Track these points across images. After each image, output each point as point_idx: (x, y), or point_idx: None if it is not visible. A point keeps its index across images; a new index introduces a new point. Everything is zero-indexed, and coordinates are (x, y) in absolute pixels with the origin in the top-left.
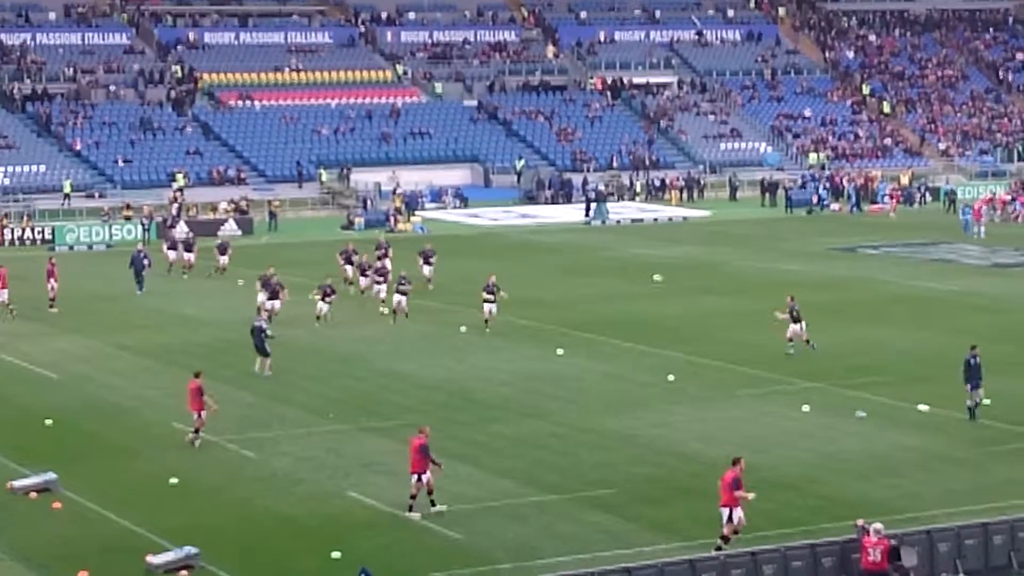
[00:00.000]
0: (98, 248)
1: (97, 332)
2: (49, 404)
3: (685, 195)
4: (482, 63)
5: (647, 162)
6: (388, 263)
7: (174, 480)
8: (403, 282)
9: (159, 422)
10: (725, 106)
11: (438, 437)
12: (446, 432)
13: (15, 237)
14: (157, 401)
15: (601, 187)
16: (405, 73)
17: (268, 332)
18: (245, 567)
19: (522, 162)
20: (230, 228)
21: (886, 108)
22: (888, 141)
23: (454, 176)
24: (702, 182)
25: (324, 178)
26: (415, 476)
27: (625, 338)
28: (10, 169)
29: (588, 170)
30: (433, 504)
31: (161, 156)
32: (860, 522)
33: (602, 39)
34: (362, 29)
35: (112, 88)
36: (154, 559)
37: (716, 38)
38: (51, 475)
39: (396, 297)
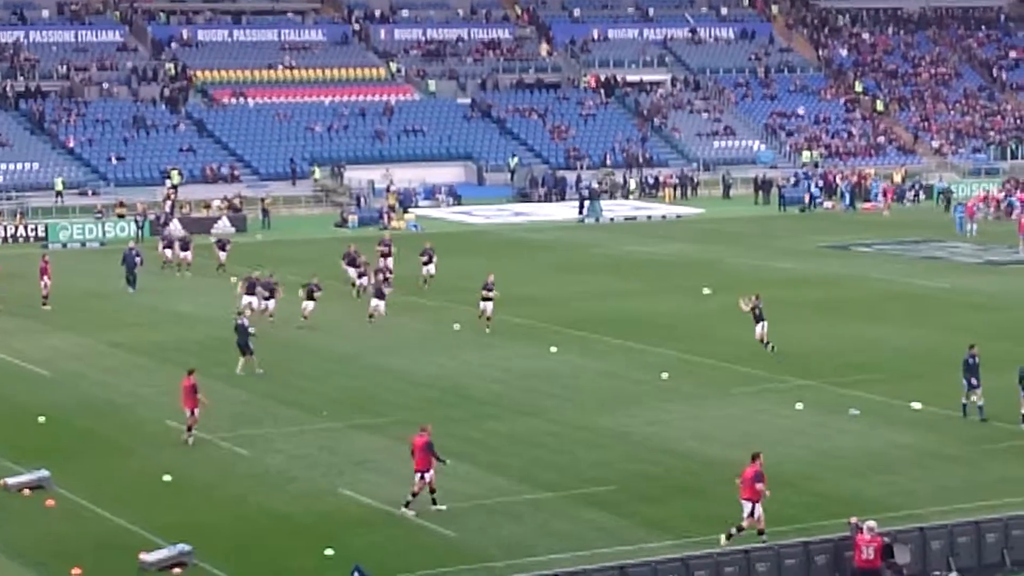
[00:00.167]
0: (91, 246)
1: (90, 329)
2: (42, 402)
3: (678, 193)
4: (476, 61)
5: (640, 160)
6: (390, 262)
7: (167, 477)
8: (383, 285)
9: (152, 420)
10: (719, 104)
11: (432, 435)
12: (440, 429)
13: (8, 235)
14: (150, 399)
15: (594, 185)
16: (399, 71)
17: (252, 330)
18: (238, 565)
19: (515, 160)
20: (223, 225)
21: (879, 106)
22: (881, 139)
23: (447, 174)
24: (695, 180)
25: (317, 175)
26: (419, 474)
27: (618, 336)
28: (3, 167)
29: (581, 168)
30: (435, 503)
31: (154, 154)
32: (853, 520)
33: (596, 37)
34: (356, 27)
35: (105, 85)
36: (147, 556)
37: (710, 36)
38: (44, 472)
39: (374, 302)
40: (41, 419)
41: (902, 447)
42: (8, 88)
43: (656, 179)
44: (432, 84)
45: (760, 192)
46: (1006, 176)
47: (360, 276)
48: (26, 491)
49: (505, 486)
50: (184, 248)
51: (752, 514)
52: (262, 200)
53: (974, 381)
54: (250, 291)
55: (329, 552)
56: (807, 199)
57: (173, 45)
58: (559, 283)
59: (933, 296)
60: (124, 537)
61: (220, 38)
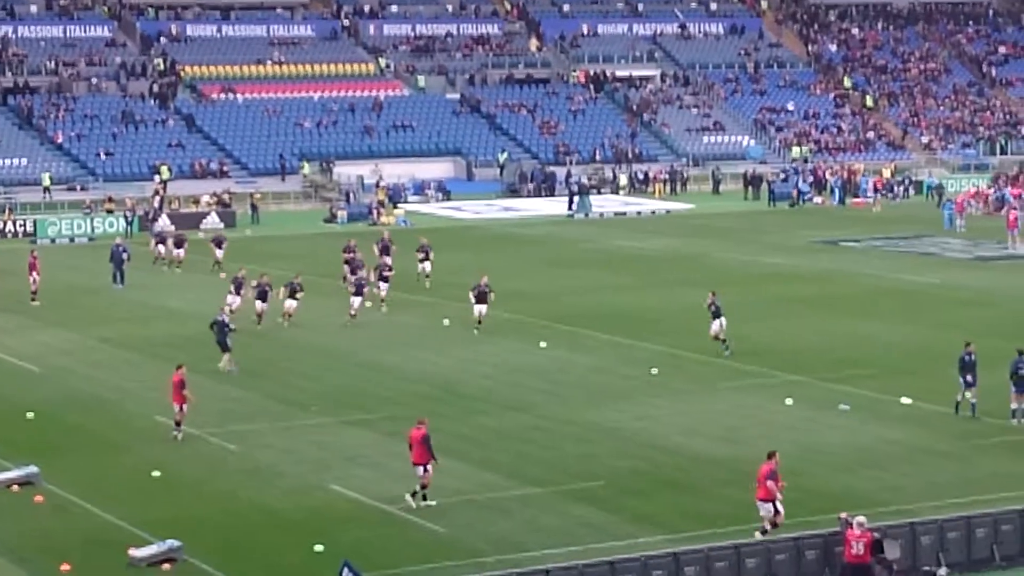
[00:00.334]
0: (80, 241)
1: (79, 325)
2: (31, 397)
3: (668, 188)
4: (465, 56)
5: (630, 155)
6: (388, 259)
7: (156, 473)
8: (362, 282)
9: (141, 415)
10: (708, 99)
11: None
12: (430, 425)
13: None
14: (139, 394)
15: (584, 180)
16: (388, 66)
17: (231, 327)
18: (228, 560)
19: (505, 155)
20: (212, 221)
21: (869, 102)
22: (871, 134)
23: (437, 169)
24: (685, 175)
25: (307, 171)
26: (420, 468)
27: (608, 331)
28: None
29: (571, 163)
30: (425, 498)
31: (143, 149)
32: (843, 515)
33: (585, 32)
34: (345, 22)
35: (94, 81)
36: (137, 552)
37: (699, 31)
38: (33, 468)
39: (353, 299)
40: (30, 415)
41: (892, 442)
42: None
43: (646, 174)
44: (421, 79)
45: (750, 187)
46: (995, 171)
47: (353, 272)
48: (15, 487)
49: (494, 482)
50: (178, 246)
51: (776, 511)
52: (251, 195)
53: (970, 379)
54: (237, 290)
55: (319, 548)
56: (795, 194)
57: (162, 40)
58: (548, 278)
59: (923, 292)
60: (113, 533)
61: (209, 33)
